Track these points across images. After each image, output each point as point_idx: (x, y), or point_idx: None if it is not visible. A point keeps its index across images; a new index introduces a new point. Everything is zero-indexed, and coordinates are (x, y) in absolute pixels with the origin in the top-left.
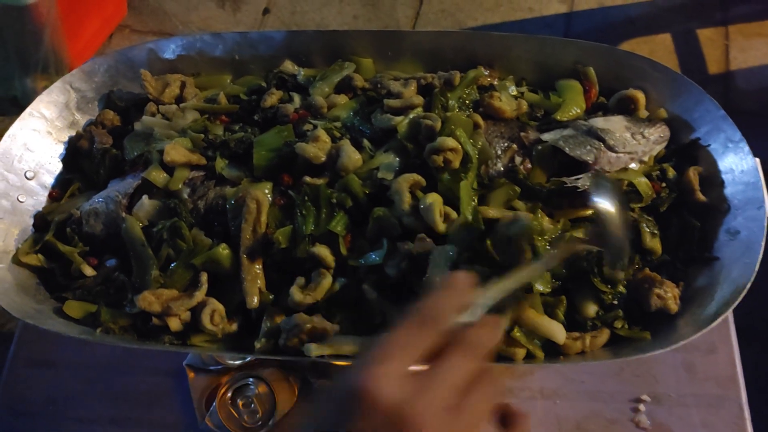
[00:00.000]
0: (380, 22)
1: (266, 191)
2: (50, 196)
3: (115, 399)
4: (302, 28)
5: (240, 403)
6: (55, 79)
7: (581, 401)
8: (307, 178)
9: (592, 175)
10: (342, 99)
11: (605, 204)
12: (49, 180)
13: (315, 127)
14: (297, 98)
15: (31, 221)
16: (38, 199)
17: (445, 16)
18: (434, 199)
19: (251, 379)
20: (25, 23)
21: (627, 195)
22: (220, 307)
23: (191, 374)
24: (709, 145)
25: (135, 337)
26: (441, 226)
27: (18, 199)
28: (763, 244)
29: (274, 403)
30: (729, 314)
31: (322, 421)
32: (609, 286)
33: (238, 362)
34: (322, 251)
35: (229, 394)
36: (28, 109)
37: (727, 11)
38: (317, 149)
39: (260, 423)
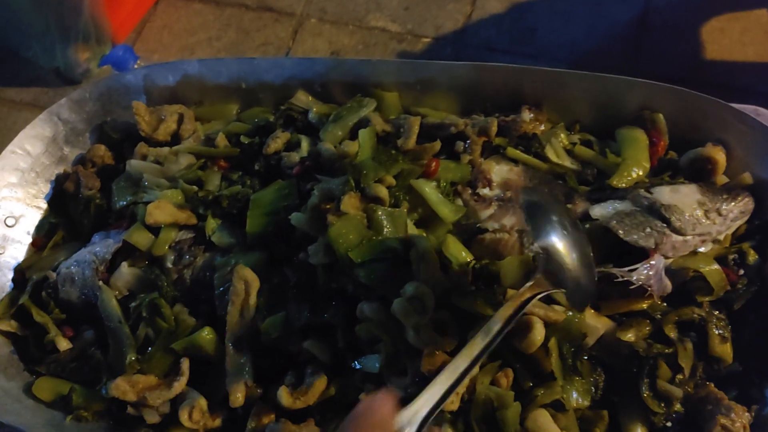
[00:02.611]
0: None
1: (256, 271)
2: (33, 244)
3: None
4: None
5: None
6: (96, 50)
7: None
8: (302, 256)
9: (524, 192)
10: (356, 147)
11: (548, 235)
12: (33, 224)
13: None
14: (305, 143)
15: (11, 275)
16: (20, 249)
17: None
18: None
19: None
20: None
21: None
22: (201, 401)
23: None
24: None
25: (110, 425)
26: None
27: None
28: None
29: None
30: None
31: None
32: (662, 404)
33: None
34: (316, 348)
35: None
36: (9, 147)
37: None
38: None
39: None
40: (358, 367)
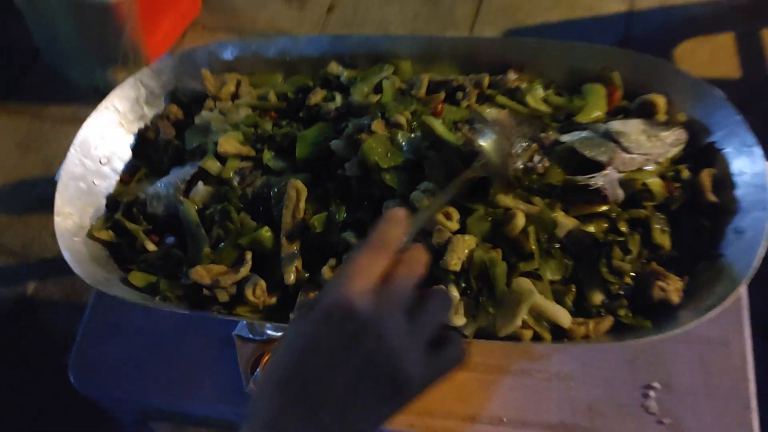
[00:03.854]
0: (440, 20)
1: (305, 182)
2: (120, 180)
3: (173, 362)
4: (364, 26)
5: None
6: (133, 71)
7: (594, 386)
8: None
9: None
10: (379, 96)
11: (484, 139)
12: (120, 166)
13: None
14: (338, 97)
15: (104, 202)
16: (110, 183)
17: (505, 16)
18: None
19: None
20: (108, 20)
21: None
22: (262, 282)
23: (239, 343)
24: (724, 149)
25: (188, 306)
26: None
27: (93, 182)
28: (764, 242)
29: None
30: (745, 309)
31: (305, 328)
32: (616, 277)
33: (280, 333)
34: (351, 237)
35: None
36: (103, 103)
37: None
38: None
39: None
40: None
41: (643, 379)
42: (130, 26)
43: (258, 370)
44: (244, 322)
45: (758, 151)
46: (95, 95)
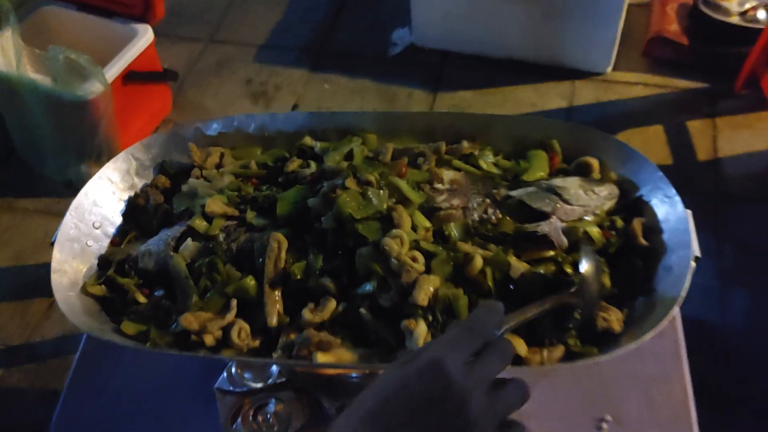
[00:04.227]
0: None
1: (285, 236)
2: (112, 242)
3: (157, 419)
4: None
5: (260, 418)
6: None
7: (551, 420)
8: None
9: (582, 247)
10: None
11: (586, 267)
12: (111, 230)
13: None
14: (313, 164)
15: (96, 261)
16: (102, 245)
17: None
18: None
19: (272, 400)
20: (85, 117)
21: (600, 263)
22: (246, 326)
23: (220, 396)
24: (650, 201)
25: (178, 350)
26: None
27: (86, 244)
28: (688, 276)
29: (290, 419)
30: (683, 348)
31: (398, 375)
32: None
33: (260, 385)
34: (328, 282)
35: (252, 412)
36: (98, 173)
37: (714, 106)
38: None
39: None
40: (358, 292)
41: (596, 413)
42: (106, 122)
43: (239, 420)
44: (225, 374)
45: (678, 200)
46: (68, 189)
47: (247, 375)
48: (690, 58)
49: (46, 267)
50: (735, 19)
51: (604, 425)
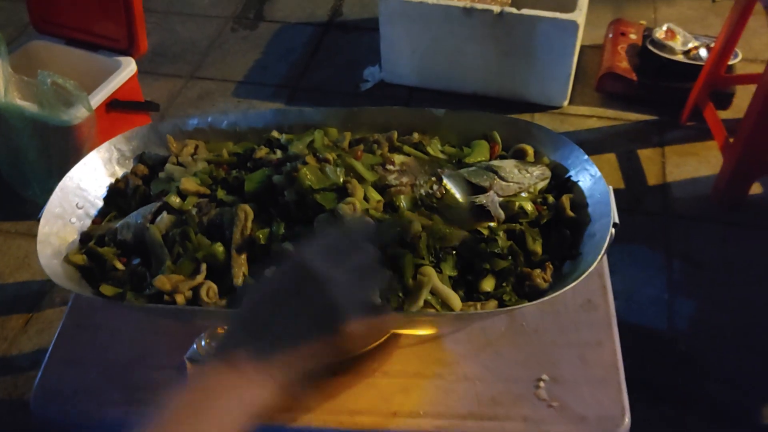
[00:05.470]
0: None
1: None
2: (93, 222)
3: (132, 389)
4: None
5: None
6: None
7: (495, 382)
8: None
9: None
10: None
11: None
12: (93, 211)
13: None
14: (279, 152)
15: (78, 237)
16: (84, 223)
17: None
18: None
19: None
20: (69, 141)
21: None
22: (214, 286)
23: (190, 366)
24: (579, 181)
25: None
26: None
27: (70, 221)
28: (608, 238)
29: None
30: (613, 318)
31: (269, 281)
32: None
33: None
34: (290, 246)
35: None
36: (83, 160)
37: (662, 135)
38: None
39: None
40: None
41: (534, 375)
42: (89, 147)
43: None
44: (194, 346)
45: (601, 178)
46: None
47: (214, 344)
48: (639, 92)
49: (25, 285)
50: (680, 57)
51: (542, 384)
